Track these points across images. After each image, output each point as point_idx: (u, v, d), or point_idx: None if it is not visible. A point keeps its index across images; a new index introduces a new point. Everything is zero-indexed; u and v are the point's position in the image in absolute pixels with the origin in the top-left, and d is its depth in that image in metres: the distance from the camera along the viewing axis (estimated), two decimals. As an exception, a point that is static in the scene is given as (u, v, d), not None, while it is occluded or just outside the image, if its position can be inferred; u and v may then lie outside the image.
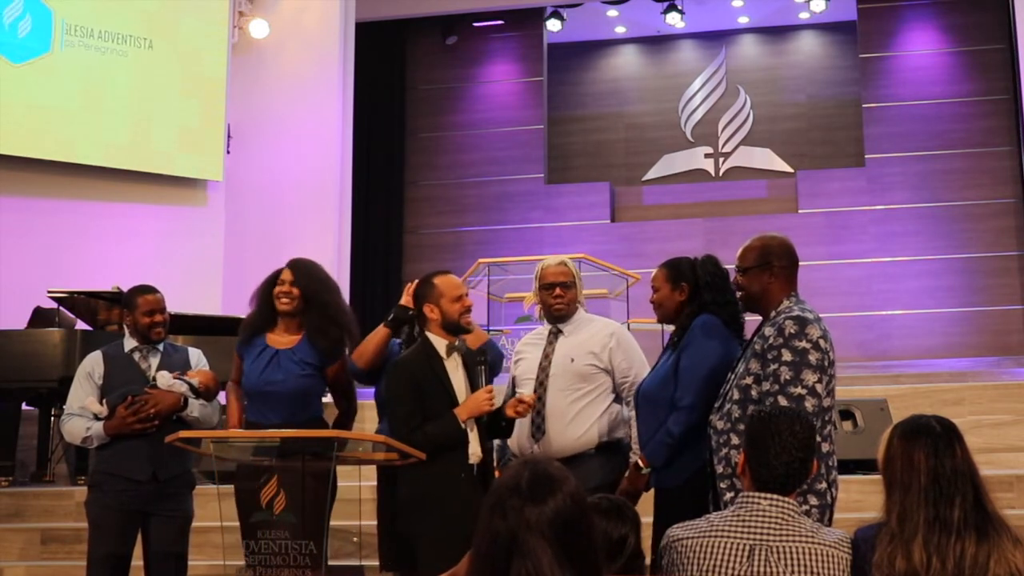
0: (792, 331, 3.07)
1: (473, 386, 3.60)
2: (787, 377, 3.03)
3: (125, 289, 6.65)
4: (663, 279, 3.73)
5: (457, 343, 3.65)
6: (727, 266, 3.61)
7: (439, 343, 3.63)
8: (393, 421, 3.58)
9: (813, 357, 3.05)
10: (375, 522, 4.18)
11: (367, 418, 5.79)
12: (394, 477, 3.84)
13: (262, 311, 4.00)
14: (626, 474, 3.76)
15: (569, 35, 13.12)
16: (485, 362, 3.63)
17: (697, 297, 3.67)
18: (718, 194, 12.57)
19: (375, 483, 4.24)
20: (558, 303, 3.96)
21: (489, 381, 3.61)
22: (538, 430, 3.87)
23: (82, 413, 3.99)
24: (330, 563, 3.54)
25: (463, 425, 3.49)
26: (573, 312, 4.01)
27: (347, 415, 4.08)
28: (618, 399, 3.96)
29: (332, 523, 3.65)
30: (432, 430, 3.47)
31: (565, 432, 3.83)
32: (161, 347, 4.11)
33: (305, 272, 3.97)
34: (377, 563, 4.14)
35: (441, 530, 3.39)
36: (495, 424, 3.68)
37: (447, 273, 3.76)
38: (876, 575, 2.38)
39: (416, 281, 3.90)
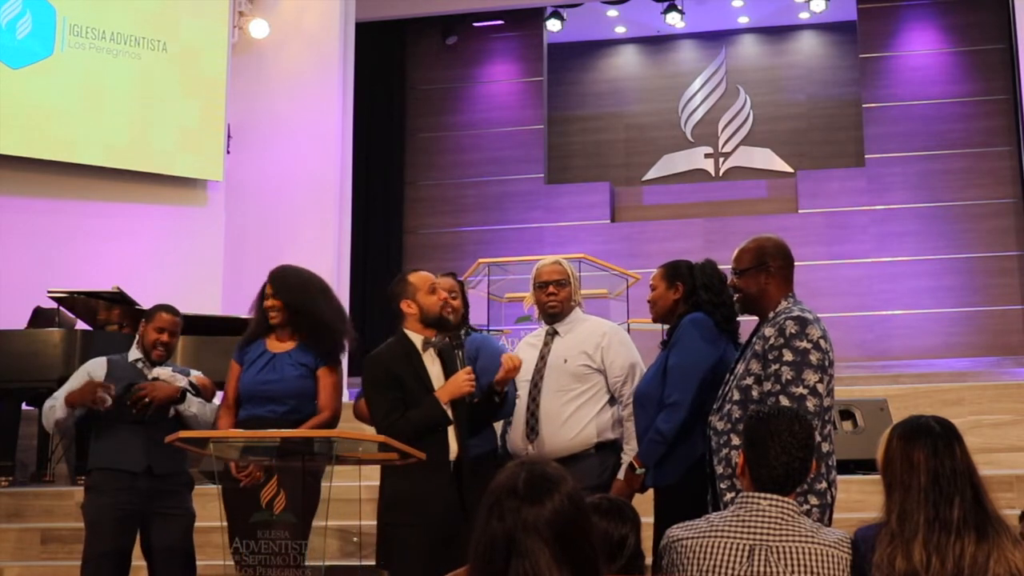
0: (793, 331, 3.08)
1: (451, 373, 3.58)
2: (788, 377, 3.04)
3: (125, 289, 6.70)
4: (660, 278, 3.79)
5: (435, 339, 3.62)
6: (728, 266, 3.62)
7: (416, 338, 3.62)
8: (376, 412, 3.56)
9: (814, 357, 3.06)
10: (375, 522, 4.17)
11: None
12: None
13: (258, 323, 4.00)
14: (619, 475, 3.78)
15: (569, 35, 13.12)
16: (461, 345, 3.63)
17: (692, 298, 3.71)
18: (718, 194, 12.57)
19: (375, 483, 4.22)
20: (551, 300, 3.99)
21: (465, 364, 3.60)
22: (532, 431, 3.89)
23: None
24: (330, 563, 3.54)
25: (446, 407, 3.47)
26: (568, 311, 4.03)
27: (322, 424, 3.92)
28: (614, 399, 3.96)
29: (332, 523, 3.64)
30: (414, 415, 3.45)
31: (558, 433, 3.84)
32: (167, 366, 4.14)
33: (282, 283, 3.93)
34: (374, 563, 4.13)
35: (416, 527, 3.40)
36: (489, 402, 3.65)
37: (418, 270, 3.78)
38: (876, 575, 2.38)
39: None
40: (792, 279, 3.30)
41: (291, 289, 3.93)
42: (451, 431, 3.54)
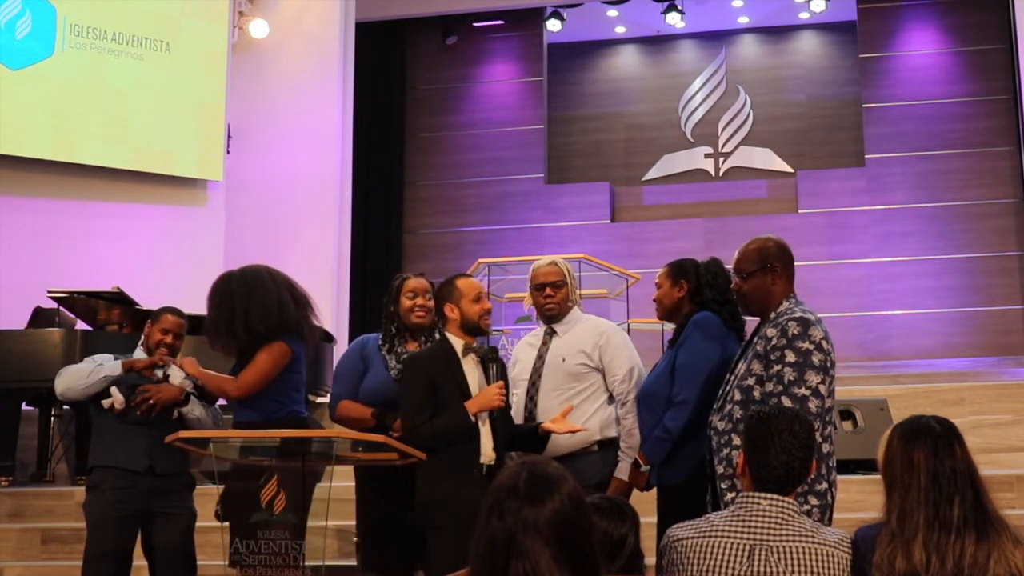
0: (795, 332, 3.08)
1: (488, 382, 3.60)
2: (791, 378, 3.04)
3: (125, 289, 6.70)
4: (664, 276, 3.79)
5: (475, 344, 3.66)
6: (729, 267, 3.62)
7: (456, 343, 3.64)
8: (405, 411, 3.58)
9: (816, 358, 3.06)
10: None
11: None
12: (375, 477, 3.83)
13: None
14: (617, 472, 3.77)
15: (569, 35, 13.12)
16: (497, 359, 3.64)
17: (697, 296, 3.71)
18: (718, 194, 12.56)
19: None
20: (549, 303, 3.98)
21: (500, 378, 3.61)
22: None
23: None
24: (329, 563, 3.54)
25: (473, 419, 3.49)
26: (566, 312, 4.02)
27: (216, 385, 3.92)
28: (612, 398, 3.96)
29: (332, 523, 3.64)
30: (439, 423, 3.48)
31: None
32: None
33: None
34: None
35: (456, 527, 3.39)
36: (532, 438, 3.71)
37: (468, 276, 3.81)
38: (876, 575, 2.38)
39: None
40: (793, 279, 3.30)
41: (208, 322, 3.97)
42: (488, 436, 3.54)
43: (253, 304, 3.84)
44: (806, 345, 3.07)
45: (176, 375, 4.03)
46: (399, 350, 3.93)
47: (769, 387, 3.08)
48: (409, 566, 3.82)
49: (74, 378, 4.02)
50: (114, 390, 3.98)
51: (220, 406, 4.35)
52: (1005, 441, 6.31)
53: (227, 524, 3.62)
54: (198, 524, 4.16)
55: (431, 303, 3.95)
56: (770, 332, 3.14)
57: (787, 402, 3.01)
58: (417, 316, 3.94)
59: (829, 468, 3.07)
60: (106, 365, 4.02)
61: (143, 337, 4.19)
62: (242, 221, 9.14)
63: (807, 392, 3.03)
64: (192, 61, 8.84)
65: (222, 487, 3.67)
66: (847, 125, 12.57)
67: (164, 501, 4.00)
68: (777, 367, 3.07)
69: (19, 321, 6.87)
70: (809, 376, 3.04)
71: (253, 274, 3.95)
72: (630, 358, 3.97)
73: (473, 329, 3.66)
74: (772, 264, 3.25)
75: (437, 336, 3.92)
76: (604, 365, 3.92)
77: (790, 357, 3.06)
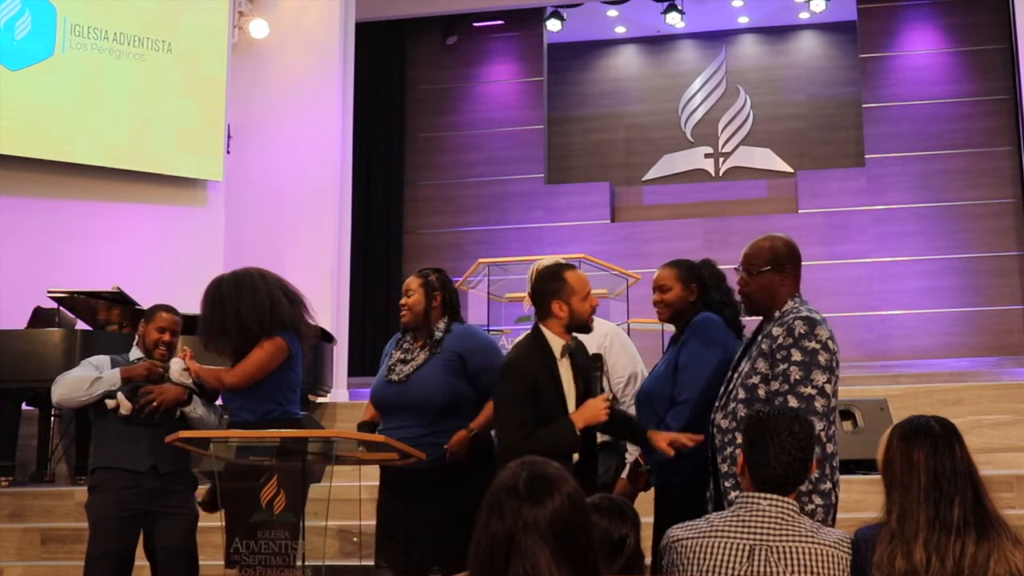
0: (802, 331, 3.07)
1: (589, 392, 3.38)
2: (797, 377, 3.04)
3: (125, 289, 6.70)
4: (675, 278, 3.68)
5: (572, 343, 3.46)
6: (728, 266, 3.61)
7: (555, 343, 3.41)
8: (504, 424, 3.36)
9: (823, 358, 3.06)
10: (374, 521, 4.15)
11: (354, 417, 5.78)
12: (397, 475, 3.81)
13: None
14: (623, 474, 3.77)
15: (569, 35, 13.12)
16: (602, 368, 3.45)
17: (704, 297, 3.68)
18: (718, 194, 12.57)
19: (375, 483, 4.21)
20: None
21: (604, 389, 3.42)
22: None
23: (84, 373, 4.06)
24: (329, 563, 3.54)
25: (578, 433, 3.28)
26: None
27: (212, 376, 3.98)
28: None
29: (332, 523, 3.64)
30: (547, 438, 3.24)
31: None
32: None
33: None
34: (373, 563, 4.12)
35: None
36: (632, 435, 3.59)
37: (574, 268, 3.56)
38: (876, 575, 2.38)
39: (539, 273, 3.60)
40: (800, 279, 3.29)
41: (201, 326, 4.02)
42: None
43: (244, 302, 3.88)
44: (812, 344, 3.06)
45: (174, 368, 4.03)
46: (405, 346, 3.94)
47: (775, 386, 3.07)
48: (424, 566, 3.81)
49: (72, 388, 4.02)
50: (120, 396, 3.98)
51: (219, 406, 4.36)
52: (1005, 441, 6.31)
53: (224, 524, 3.63)
54: (199, 524, 4.16)
55: (410, 300, 3.90)
56: (776, 331, 3.13)
57: (793, 401, 3.00)
58: (402, 317, 3.93)
59: (833, 468, 3.07)
60: (105, 376, 4.01)
61: (138, 337, 4.19)
62: (242, 221, 9.13)
63: (813, 391, 3.02)
64: (192, 61, 8.83)
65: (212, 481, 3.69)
66: (847, 125, 12.57)
67: (166, 501, 4.00)
68: (783, 366, 3.06)
69: (19, 321, 6.87)
70: (815, 375, 3.04)
71: (244, 275, 4.00)
72: (633, 361, 3.97)
73: (580, 328, 3.47)
74: (782, 264, 3.23)
75: (440, 335, 3.89)
76: (608, 368, 3.91)
77: (796, 356, 3.06)
